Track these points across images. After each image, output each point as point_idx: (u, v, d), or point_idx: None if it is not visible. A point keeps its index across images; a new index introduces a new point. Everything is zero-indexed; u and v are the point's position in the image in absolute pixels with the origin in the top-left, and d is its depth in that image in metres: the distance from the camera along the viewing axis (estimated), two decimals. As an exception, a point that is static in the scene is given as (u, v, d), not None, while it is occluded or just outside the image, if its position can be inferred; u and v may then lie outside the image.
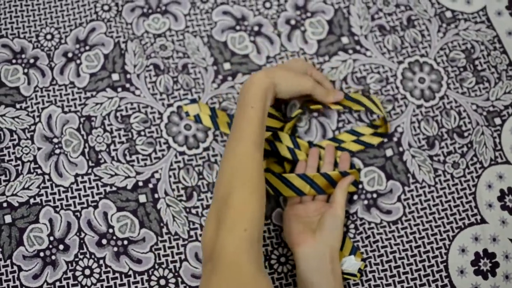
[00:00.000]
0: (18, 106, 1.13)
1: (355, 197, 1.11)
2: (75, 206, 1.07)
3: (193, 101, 1.14)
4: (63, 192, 1.08)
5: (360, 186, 1.11)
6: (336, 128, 1.15)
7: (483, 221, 1.08)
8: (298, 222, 1.04)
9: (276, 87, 1.05)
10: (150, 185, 1.09)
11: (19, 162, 1.09)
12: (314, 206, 1.07)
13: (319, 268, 0.99)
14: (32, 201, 1.07)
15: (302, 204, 1.08)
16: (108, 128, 1.12)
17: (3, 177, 1.08)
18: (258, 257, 0.89)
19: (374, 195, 1.10)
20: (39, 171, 1.09)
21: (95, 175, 1.09)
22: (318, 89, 1.09)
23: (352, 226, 1.09)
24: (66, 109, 1.13)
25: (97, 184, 1.09)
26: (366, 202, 1.10)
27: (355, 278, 1.04)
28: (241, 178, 0.94)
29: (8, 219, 1.06)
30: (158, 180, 1.09)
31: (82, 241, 1.05)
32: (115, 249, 1.05)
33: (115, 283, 1.03)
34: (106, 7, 1.21)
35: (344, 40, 1.20)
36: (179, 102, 1.14)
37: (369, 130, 1.14)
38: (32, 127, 1.12)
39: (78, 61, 1.17)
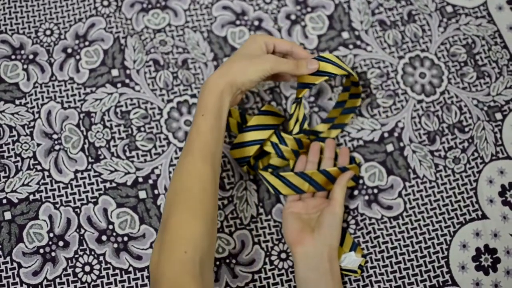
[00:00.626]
0: (17, 102, 1.13)
1: (356, 192, 1.10)
2: (74, 203, 1.07)
3: None
4: (63, 188, 1.08)
5: (361, 181, 1.11)
6: (337, 123, 1.14)
7: (484, 216, 1.07)
8: (297, 220, 1.04)
9: (235, 84, 0.98)
10: (150, 181, 1.09)
11: (18, 158, 1.09)
12: (314, 202, 1.07)
13: (317, 268, 0.99)
14: (31, 197, 1.07)
15: (302, 201, 1.07)
16: (107, 124, 1.12)
17: (2, 174, 1.08)
18: (203, 278, 0.86)
19: (375, 191, 1.10)
20: (38, 167, 1.09)
21: (95, 171, 1.09)
22: (282, 65, 1.00)
23: (352, 221, 1.08)
24: (65, 105, 1.13)
25: (96, 180, 1.08)
26: (367, 197, 1.10)
27: (355, 274, 1.04)
28: (182, 199, 0.91)
29: (7, 215, 1.05)
30: (158, 176, 1.09)
31: (82, 238, 1.05)
32: (115, 245, 1.05)
33: (115, 280, 1.03)
34: (105, 3, 1.20)
35: (345, 35, 1.20)
36: (179, 98, 1.14)
37: (345, 94, 1.12)
38: (32, 123, 1.11)
39: (77, 57, 1.16)
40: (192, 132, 0.96)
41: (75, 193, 1.07)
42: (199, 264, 0.86)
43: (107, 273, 1.04)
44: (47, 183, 1.08)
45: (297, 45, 1.05)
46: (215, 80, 0.98)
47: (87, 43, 1.17)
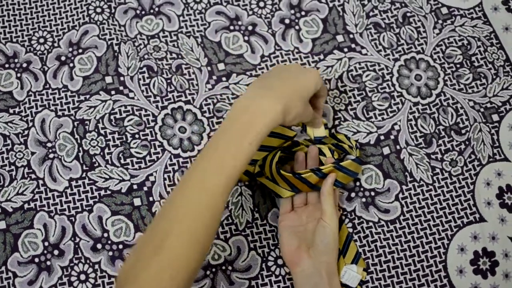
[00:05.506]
0: (11, 111, 1.13)
1: (353, 194, 1.09)
2: (69, 211, 1.06)
3: None
4: (57, 196, 1.07)
5: (358, 183, 1.10)
6: (333, 125, 1.13)
7: (482, 219, 1.07)
8: (293, 237, 1.01)
9: (283, 119, 0.88)
10: (145, 188, 1.08)
11: (12, 167, 1.09)
12: (306, 212, 1.05)
13: (316, 286, 0.97)
14: (26, 206, 1.06)
15: (294, 212, 1.05)
16: (102, 131, 1.11)
17: (-4, 183, 1.08)
18: None
19: (372, 193, 1.09)
20: (33, 176, 1.08)
21: (89, 179, 1.08)
22: (315, 120, 1.03)
23: (350, 225, 1.08)
24: (59, 113, 1.13)
25: (91, 188, 1.08)
26: (364, 199, 1.09)
27: None
28: (188, 222, 0.81)
29: (2, 225, 1.05)
30: (153, 183, 1.08)
31: (77, 246, 1.05)
32: (110, 253, 1.04)
33: (110, 288, 1.03)
34: (98, 10, 1.20)
35: (339, 38, 1.19)
36: (174, 104, 1.13)
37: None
38: (26, 132, 1.11)
39: (71, 64, 1.16)
40: (229, 156, 0.84)
41: (69, 202, 1.07)
42: None
43: (103, 282, 1.03)
44: (41, 192, 1.07)
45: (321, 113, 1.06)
46: (277, 109, 0.87)
47: (80, 50, 1.17)
